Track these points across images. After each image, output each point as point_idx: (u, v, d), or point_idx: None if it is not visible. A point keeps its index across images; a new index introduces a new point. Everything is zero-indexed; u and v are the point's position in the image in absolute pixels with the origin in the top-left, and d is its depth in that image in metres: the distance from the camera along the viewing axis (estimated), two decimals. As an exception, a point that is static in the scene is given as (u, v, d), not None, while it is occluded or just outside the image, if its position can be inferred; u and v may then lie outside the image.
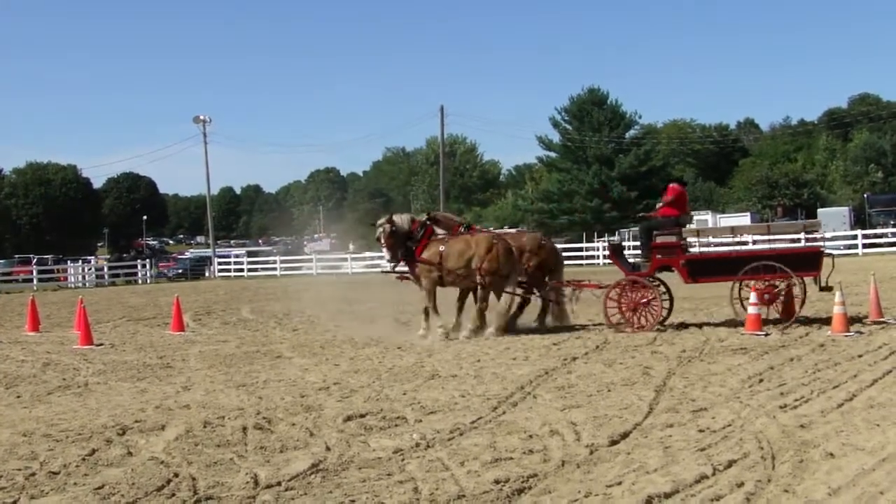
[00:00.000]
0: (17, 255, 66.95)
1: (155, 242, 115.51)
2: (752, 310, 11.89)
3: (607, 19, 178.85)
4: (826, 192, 70.74)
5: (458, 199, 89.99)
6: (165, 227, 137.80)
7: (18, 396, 9.32)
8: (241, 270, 52.31)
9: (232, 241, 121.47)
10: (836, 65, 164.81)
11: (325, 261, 53.32)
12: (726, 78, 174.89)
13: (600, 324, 13.34)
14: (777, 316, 12.66)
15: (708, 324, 13.15)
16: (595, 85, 71.03)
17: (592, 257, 44.07)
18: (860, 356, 9.56)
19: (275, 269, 51.17)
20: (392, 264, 13.93)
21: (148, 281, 48.24)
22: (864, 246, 38.68)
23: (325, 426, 7.09)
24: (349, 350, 12.17)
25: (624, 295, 12.69)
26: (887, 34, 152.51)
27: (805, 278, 12.43)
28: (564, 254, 19.30)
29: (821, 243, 12.52)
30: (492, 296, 13.13)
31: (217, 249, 66.71)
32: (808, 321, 12.75)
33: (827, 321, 12.18)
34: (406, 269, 13.86)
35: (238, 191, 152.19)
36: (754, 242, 24.16)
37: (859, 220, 50.97)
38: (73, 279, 46.47)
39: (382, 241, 13.73)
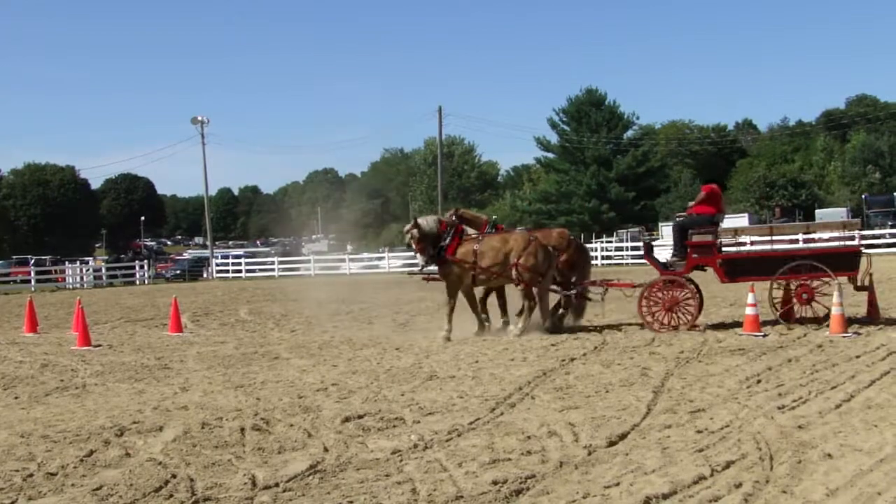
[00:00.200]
0: (14, 256, 66.95)
1: (153, 243, 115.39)
2: (749, 311, 11.89)
3: (606, 20, 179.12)
4: (824, 192, 70.81)
5: (457, 200, 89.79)
6: (163, 227, 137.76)
7: (16, 397, 9.32)
8: (240, 271, 52.29)
9: (230, 242, 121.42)
10: (833, 66, 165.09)
11: (323, 261, 53.34)
12: (724, 79, 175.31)
13: (597, 325, 13.34)
14: (813, 316, 12.44)
15: (706, 324, 13.16)
16: (593, 86, 71.36)
17: (592, 258, 43.99)
18: (858, 357, 9.57)
19: (273, 269, 51.14)
20: (422, 266, 13.88)
21: (146, 282, 48.19)
22: (863, 247, 38.62)
23: (323, 427, 7.08)
24: (347, 351, 12.16)
25: (660, 294, 12.63)
26: (885, 35, 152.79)
27: (842, 278, 12.31)
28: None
29: (858, 242, 12.41)
30: (510, 293, 13.11)
31: (215, 250, 66.64)
32: (805, 322, 12.77)
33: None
34: (434, 269, 13.72)
35: (236, 191, 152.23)
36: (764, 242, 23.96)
37: (857, 221, 50.93)
38: (70, 280, 46.40)
39: (413, 247, 13.69)
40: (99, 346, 13.96)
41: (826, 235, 25.37)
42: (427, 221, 13.56)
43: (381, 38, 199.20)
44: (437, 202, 66.48)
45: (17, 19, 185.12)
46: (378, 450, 6.24)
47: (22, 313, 18.75)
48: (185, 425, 7.31)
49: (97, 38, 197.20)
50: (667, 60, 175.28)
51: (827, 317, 11.99)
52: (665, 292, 12.68)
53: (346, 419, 7.32)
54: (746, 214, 53.65)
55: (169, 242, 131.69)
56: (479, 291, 13.91)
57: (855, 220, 22.39)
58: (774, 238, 14.58)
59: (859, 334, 11.30)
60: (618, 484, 5.23)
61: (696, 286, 12.95)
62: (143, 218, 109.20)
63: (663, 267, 13.26)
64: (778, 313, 12.50)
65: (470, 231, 13.56)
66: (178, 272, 54.27)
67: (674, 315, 12.60)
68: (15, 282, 47.32)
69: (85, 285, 45.54)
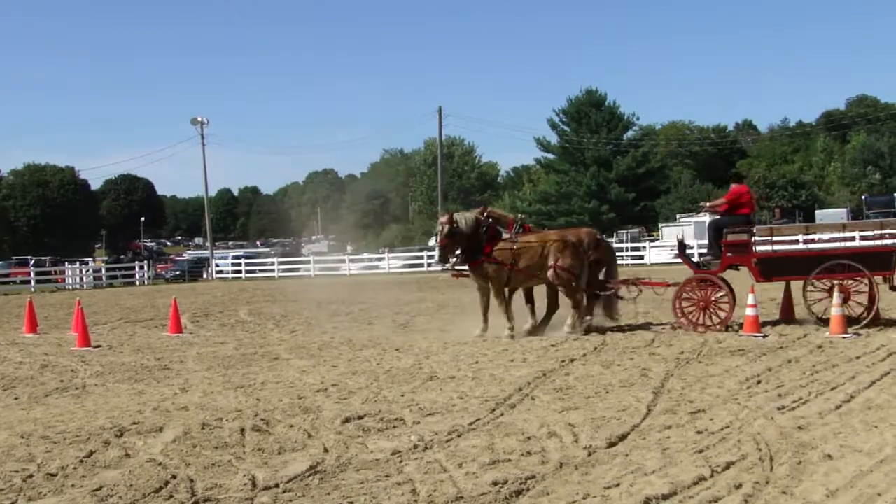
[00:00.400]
0: (14, 257, 67.02)
1: (153, 244, 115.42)
2: (749, 311, 11.88)
3: (606, 20, 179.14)
4: (824, 193, 70.90)
5: (457, 201, 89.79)
6: (163, 228, 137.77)
7: (16, 398, 9.32)
8: (239, 272, 52.30)
9: (230, 243, 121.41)
10: (833, 66, 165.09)
11: (323, 262, 53.34)
12: (724, 79, 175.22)
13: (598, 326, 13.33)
14: (853, 314, 12.26)
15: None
16: (593, 86, 71.28)
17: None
18: (858, 358, 9.57)
19: (272, 270, 51.15)
20: (442, 265, 13.77)
21: (146, 282, 48.20)
22: None
23: (324, 428, 7.08)
24: (347, 352, 12.16)
25: (694, 293, 12.55)
26: (885, 35, 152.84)
27: (879, 277, 12.24)
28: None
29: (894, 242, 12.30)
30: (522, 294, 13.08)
31: (215, 251, 66.65)
32: (805, 323, 12.77)
33: (825, 322, 12.21)
34: (464, 267, 13.59)
35: (236, 192, 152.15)
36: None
37: (857, 222, 51.03)
38: (70, 281, 46.39)
39: (437, 239, 13.55)
40: (99, 346, 13.96)
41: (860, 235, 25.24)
42: (464, 219, 13.40)
43: (381, 38, 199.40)
44: (437, 203, 66.46)
45: (17, 19, 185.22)
46: (378, 450, 6.24)
47: (22, 314, 18.75)
48: (185, 426, 7.31)
49: (97, 38, 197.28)
50: (667, 61, 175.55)
51: (864, 316, 11.99)
52: (699, 291, 12.59)
53: (346, 420, 7.32)
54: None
55: (169, 243, 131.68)
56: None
57: (894, 220, 22.17)
58: (809, 237, 14.45)
59: (859, 335, 11.29)
60: (618, 485, 5.23)
61: (730, 286, 12.82)
62: (142, 219, 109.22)
63: (697, 266, 13.15)
64: (815, 315, 12.31)
65: (505, 233, 13.43)
66: (177, 273, 54.25)
67: (707, 314, 12.47)
68: (15, 282, 47.33)
69: (85, 286, 45.54)
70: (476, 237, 13.20)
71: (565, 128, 70.57)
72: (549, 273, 12.89)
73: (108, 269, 51.29)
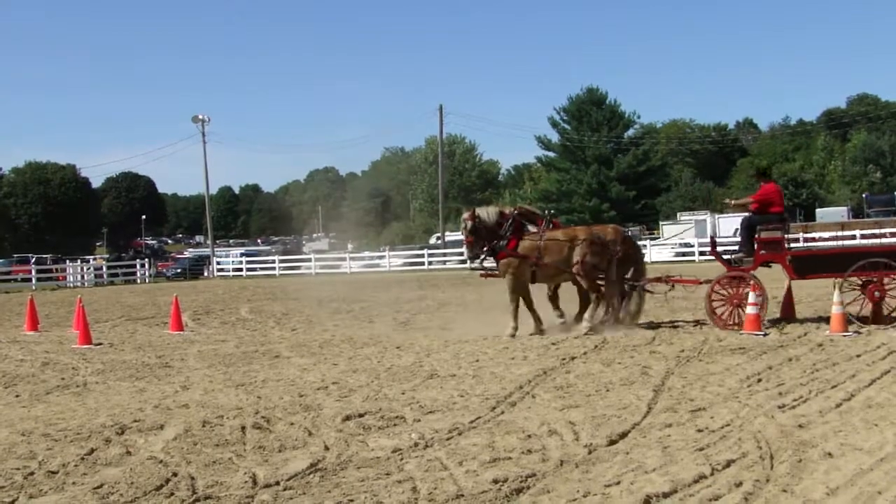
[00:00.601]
0: (15, 255, 66.92)
1: (154, 242, 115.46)
2: (751, 309, 11.87)
3: (606, 20, 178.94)
4: (824, 192, 70.86)
5: (457, 199, 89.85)
6: (164, 226, 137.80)
7: (17, 396, 9.33)
8: (240, 270, 52.31)
9: (231, 241, 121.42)
10: (834, 65, 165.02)
11: (324, 260, 53.37)
12: (725, 78, 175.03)
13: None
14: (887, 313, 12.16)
15: (705, 322, 13.16)
16: (594, 85, 71.25)
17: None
18: (858, 356, 9.56)
19: (273, 268, 51.16)
20: (471, 262, 13.65)
21: (147, 280, 48.20)
22: None
23: (324, 426, 7.09)
24: (348, 350, 12.17)
25: (726, 291, 12.46)
26: (886, 34, 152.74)
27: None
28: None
29: None
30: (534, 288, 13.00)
31: (216, 249, 66.66)
32: (806, 321, 12.78)
33: (825, 320, 12.21)
34: (493, 265, 13.46)
35: (237, 190, 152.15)
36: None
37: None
38: (71, 279, 46.40)
39: (463, 237, 13.42)
40: (100, 344, 13.96)
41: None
42: (488, 213, 13.28)
43: (381, 38, 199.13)
44: (438, 201, 66.46)
45: (17, 19, 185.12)
46: (379, 448, 6.25)
47: (23, 312, 18.77)
48: (186, 424, 7.32)
49: (97, 38, 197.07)
50: (667, 59, 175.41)
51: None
52: (731, 289, 12.47)
53: (347, 418, 7.32)
54: (747, 214, 53.63)
55: (170, 241, 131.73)
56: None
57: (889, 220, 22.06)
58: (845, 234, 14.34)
59: (859, 333, 11.29)
60: (618, 482, 5.23)
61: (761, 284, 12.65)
62: (143, 216, 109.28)
63: (729, 263, 13.03)
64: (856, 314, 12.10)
65: (531, 227, 13.26)
66: (178, 271, 54.28)
67: (739, 312, 12.35)
68: (16, 280, 47.31)
69: (86, 284, 45.55)
70: (500, 232, 13.04)
71: (566, 126, 70.61)
72: (575, 269, 12.77)
73: (109, 267, 51.29)
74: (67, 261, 55.18)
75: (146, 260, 55.08)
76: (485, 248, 13.24)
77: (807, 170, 75.20)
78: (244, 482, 5.52)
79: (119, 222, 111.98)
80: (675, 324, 13.38)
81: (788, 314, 13.24)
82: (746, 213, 13.50)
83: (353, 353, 11.81)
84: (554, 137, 72.00)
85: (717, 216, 52.82)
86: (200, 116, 57.97)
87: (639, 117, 74.53)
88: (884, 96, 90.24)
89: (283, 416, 7.53)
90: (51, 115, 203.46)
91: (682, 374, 8.96)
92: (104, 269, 50.71)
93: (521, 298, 12.96)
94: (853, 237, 28.91)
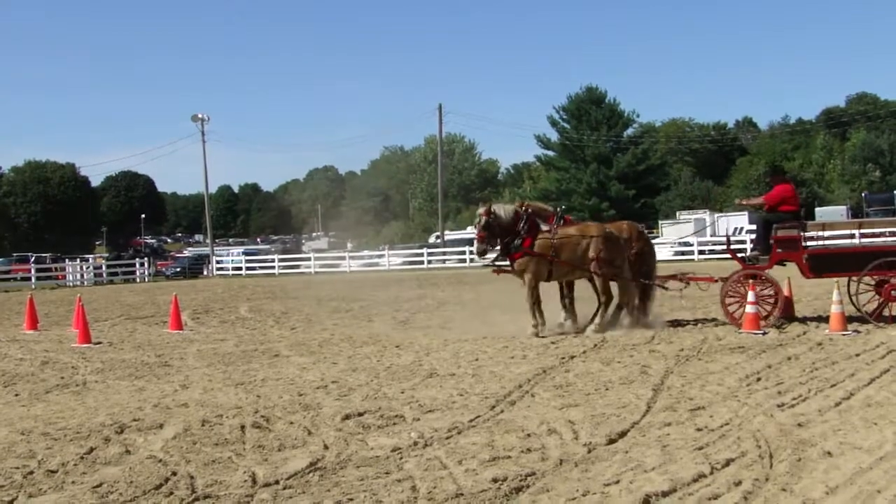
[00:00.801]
0: (15, 254, 66.88)
1: (153, 241, 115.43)
2: (749, 308, 11.87)
3: (605, 19, 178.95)
4: (824, 191, 70.82)
5: (457, 198, 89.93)
6: (164, 225, 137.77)
7: (17, 395, 9.32)
8: (240, 269, 52.30)
9: (230, 240, 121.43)
10: (834, 64, 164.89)
11: (324, 259, 53.37)
12: (724, 77, 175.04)
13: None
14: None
15: (705, 321, 13.17)
16: (593, 84, 71.41)
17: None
18: (858, 355, 9.57)
19: (273, 267, 51.16)
20: (480, 257, 13.54)
21: (146, 279, 48.21)
22: None
23: (324, 425, 7.09)
24: (347, 348, 12.17)
25: (742, 289, 12.38)
26: (885, 33, 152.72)
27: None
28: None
29: None
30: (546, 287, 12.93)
31: (215, 248, 66.64)
32: (805, 320, 12.78)
33: (825, 319, 12.22)
34: (506, 263, 13.30)
35: (236, 189, 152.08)
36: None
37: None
38: (71, 277, 46.39)
39: (476, 232, 13.32)
40: (99, 343, 13.96)
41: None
42: (504, 210, 13.15)
43: (381, 38, 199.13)
44: (438, 200, 66.47)
45: (17, 19, 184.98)
46: (378, 447, 6.25)
47: (22, 310, 18.77)
48: (186, 423, 7.32)
49: (97, 37, 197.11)
50: (667, 58, 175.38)
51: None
52: (747, 287, 12.30)
53: (347, 417, 7.32)
54: (746, 213, 53.68)
55: (169, 240, 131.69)
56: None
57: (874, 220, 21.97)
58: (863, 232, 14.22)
59: (859, 332, 11.29)
60: (617, 482, 5.23)
61: (776, 282, 12.63)
62: (143, 215, 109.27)
63: (745, 261, 13.00)
64: (871, 314, 12.07)
65: (544, 226, 13.07)
66: (178, 270, 54.28)
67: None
68: (15, 279, 47.29)
69: (85, 283, 45.54)
70: (515, 229, 12.93)
71: (565, 125, 70.64)
72: (592, 266, 12.67)
73: (108, 266, 51.29)
74: (67, 260, 55.21)
75: (145, 259, 55.07)
76: (498, 247, 13.12)
77: (806, 169, 75.16)
78: (243, 481, 5.52)
79: (118, 221, 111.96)
80: (675, 322, 13.36)
81: (788, 313, 13.24)
82: (758, 213, 13.40)
83: (353, 351, 11.81)
84: (553, 136, 72.11)
85: (716, 215, 52.82)
86: (200, 115, 58.03)
87: (638, 116, 74.70)
88: (883, 95, 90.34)
89: (282, 415, 7.53)
90: (50, 114, 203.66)
91: (682, 372, 8.96)
92: (103, 268, 50.71)
93: (530, 294, 12.74)
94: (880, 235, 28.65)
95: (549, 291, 13.37)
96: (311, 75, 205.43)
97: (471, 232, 39.53)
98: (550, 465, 5.65)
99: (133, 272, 49.28)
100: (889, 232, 29.43)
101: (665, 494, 4.97)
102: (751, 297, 11.88)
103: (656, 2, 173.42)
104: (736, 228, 43.79)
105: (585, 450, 5.99)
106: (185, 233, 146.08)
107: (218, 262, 54.80)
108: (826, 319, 12.12)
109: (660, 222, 59.02)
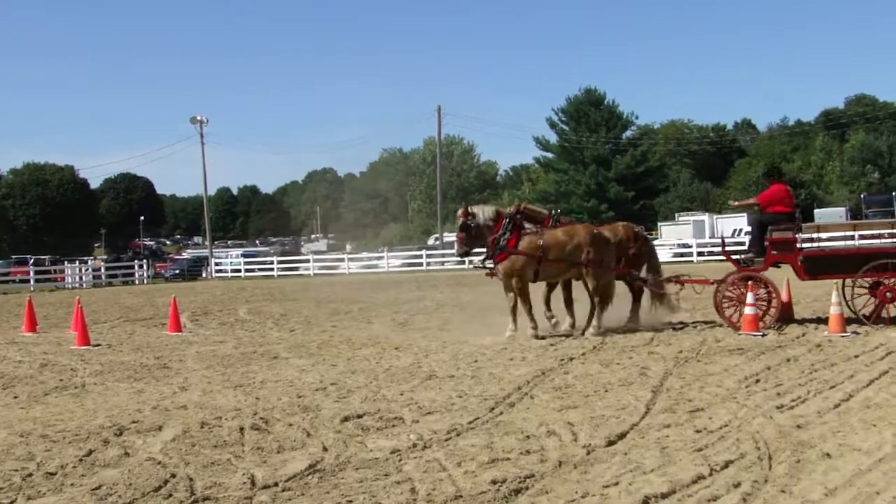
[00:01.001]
0: (14, 256, 66.96)
1: (152, 243, 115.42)
2: (748, 310, 11.87)
3: (605, 20, 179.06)
4: (823, 192, 70.92)
5: (456, 200, 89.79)
6: (162, 227, 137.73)
7: (15, 397, 9.32)
8: (239, 271, 52.29)
9: (229, 242, 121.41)
10: (832, 65, 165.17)
11: (323, 261, 53.36)
12: (723, 78, 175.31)
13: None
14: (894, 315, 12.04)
15: (704, 322, 13.16)
16: (592, 85, 71.42)
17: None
18: (857, 357, 9.57)
19: (272, 269, 51.14)
20: (464, 259, 13.45)
21: (145, 281, 48.20)
22: None
23: (323, 427, 7.09)
24: (346, 351, 12.16)
25: (737, 291, 12.36)
26: (884, 35, 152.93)
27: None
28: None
29: None
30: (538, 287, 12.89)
31: (214, 250, 66.64)
32: (804, 321, 12.78)
33: (824, 321, 12.22)
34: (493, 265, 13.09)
35: (235, 191, 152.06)
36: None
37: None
38: (70, 280, 46.35)
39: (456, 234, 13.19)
40: (98, 345, 13.95)
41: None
42: (482, 211, 13.07)
43: (381, 38, 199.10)
44: (437, 202, 66.47)
45: (17, 19, 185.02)
46: (377, 449, 6.25)
47: (21, 313, 18.75)
48: (185, 425, 7.32)
49: (97, 38, 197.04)
50: (666, 60, 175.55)
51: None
52: (742, 289, 12.32)
53: (346, 419, 7.32)
54: (746, 215, 53.73)
55: (168, 242, 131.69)
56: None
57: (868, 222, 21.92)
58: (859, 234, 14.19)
59: (858, 334, 11.30)
60: (616, 483, 5.23)
61: (773, 284, 12.58)
62: (142, 217, 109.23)
63: (740, 263, 12.94)
64: (867, 314, 12.07)
65: (528, 226, 13.01)
66: (177, 272, 54.26)
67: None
68: (14, 281, 47.33)
69: (84, 285, 45.49)
70: (498, 231, 12.78)
71: (564, 127, 70.67)
72: (582, 267, 12.55)
73: (107, 268, 51.23)
74: (66, 262, 55.15)
75: (144, 261, 55.07)
76: (486, 249, 13.02)
77: (805, 170, 75.28)
78: (243, 483, 5.52)
79: (117, 223, 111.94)
80: (674, 324, 13.36)
81: (786, 314, 13.23)
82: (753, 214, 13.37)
83: (352, 353, 11.81)
84: (552, 138, 72.13)
85: (715, 217, 52.86)
86: (199, 118, 58.03)
87: (637, 118, 74.72)
88: (882, 97, 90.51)
89: (281, 417, 7.53)
90: (49, 115, 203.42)
91: (681, 374, 8.96)
92: (102, 270, 50.65)
93: (523, 297, 12.64)
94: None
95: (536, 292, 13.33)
96: (310, 76, 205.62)
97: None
98: (549, 466, 5.65)
99: (132, 274, 49.29)
100: (888, 234, 29.41)
101: (664, 496, 4.97)
102: (750, 298, 11.88)
103: (656, 3, 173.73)
104: (735, 230, 43.83)
105: (584, 451, 5.99)
106: (184, 235, 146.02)
107: (217, 264, 54.78)
108: (825, 321, 12.12)
109: (659, 224, 59.01)
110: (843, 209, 54.99)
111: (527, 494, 5.14)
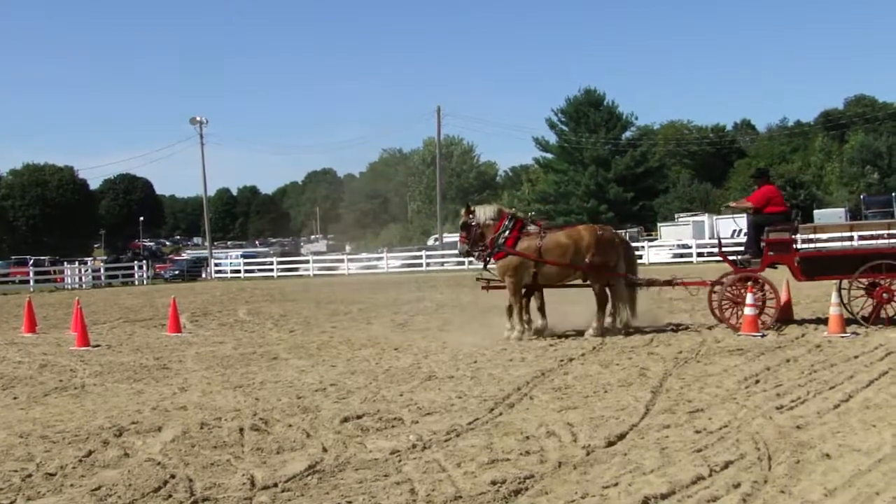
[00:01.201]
0: (13, 257, 66.96)
1: (152, 244, 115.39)
2: (748, 311, 11.86)
3: (605, 20, 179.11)
4: (822, 193, 70.94)
5: (455, 201, 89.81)
6: (162, 228, 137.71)
7: (15, 398, 9.32)
8: (238, 272, 52.28)
9: (229, 243, 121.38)
10: (832, 66, 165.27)
11: (322, 262, 53.34)
12: (723, 79, 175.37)
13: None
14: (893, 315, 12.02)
15: (703, 324, 13.16)
16: (592, 86, 71.38)
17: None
18: (856, 357, 9.57)
19: (271, 270, 51.14)
20: (468, 259, 13.45)
21: (144, 282, 48.18)
22: None
23: (322, 427, 7.09)
24: (346, 351, 12.16)
25: (735, 292, 12.34)
26: (884, 35, 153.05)
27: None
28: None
29: None
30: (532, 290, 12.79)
31: (214, 251, 66.63)
32: (804, 322, 12.78)
33: (824, 322, 12.22)
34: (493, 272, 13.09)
35: (235, 192, 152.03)
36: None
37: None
38: (69, 280, 46.33)
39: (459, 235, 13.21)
40: (98, 346, 13.96)
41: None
42: (484, 211, 13.04)
43: (381, 38, 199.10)
44: (436, 202, 66.47)
45: (17, 19, 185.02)
46: (377, 450, 6.25)
47: (21, 313, 18.75)
48: (184, 425, 7.32)
49: (97, 38, 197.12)
50: (665, 61, 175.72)
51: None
52: (740, 290, 12.31)
53: (345, 419, 7.32)
54: (745, 215, 53.76)
55: (167, 243, 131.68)
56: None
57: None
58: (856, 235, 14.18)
59: (857, 334, 11.30)
60: (616, 484, 5.23)
61: (772, 285, 12.56)
62: (141, 218, 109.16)
63: (737, 264, 12.91)
64: (866, 315, 12.04)
65: (532, 227, 12.95)
66: (176, 272, 54.25)
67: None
68: (14, 282, 47.33)
69: (84, 285, 45.48)
70: (499, 231, 12.75)
71: (564, 127, 70.66)
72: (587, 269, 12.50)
73: (107, 269, 51.26)
74: (65, 262, 55.17)
75: (144, 262, 55.05)
76: (486, 251, 12.94)
77: (804, 171, 75.29)
78: (242, 484, 5.52)
79: (117, 224, 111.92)
80: (673, 325, 13.36)
81: (786, 315, 13.23)
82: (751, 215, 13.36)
83: (352, 354, 11.81)
84: (552, 139, 72.12)
85: (714, 217, 52.87)
86: (198, 118, 58.02)
87: (636, 118, 74.74)
88: (881, 97, 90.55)
89: (281, 418, 7.53)
90: (49, 116, 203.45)
91: (680, 375, 8.96)
92: (102, 270, 50.69)
93: (514, 298, 12.60)
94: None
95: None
96: (310, 76, 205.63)
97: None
98: (549, 467, 5.65)
99: (131, 275, 49.26)
100: (887, 234, 29.43)
101: (664, 497, 4.97)
102: (749, 299, 11.88)
103: (656, 3, 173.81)
104: (734, 231, 43.86)
105: (584, 452, 5.99)
106: (183, 235, 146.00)
107: (216, 264, 54.76)
108: (825, 322, 12.12)
109: (658, 224, 59.03)
110: (842, 210, 55.05)
111: (526, 495, 5.14)
